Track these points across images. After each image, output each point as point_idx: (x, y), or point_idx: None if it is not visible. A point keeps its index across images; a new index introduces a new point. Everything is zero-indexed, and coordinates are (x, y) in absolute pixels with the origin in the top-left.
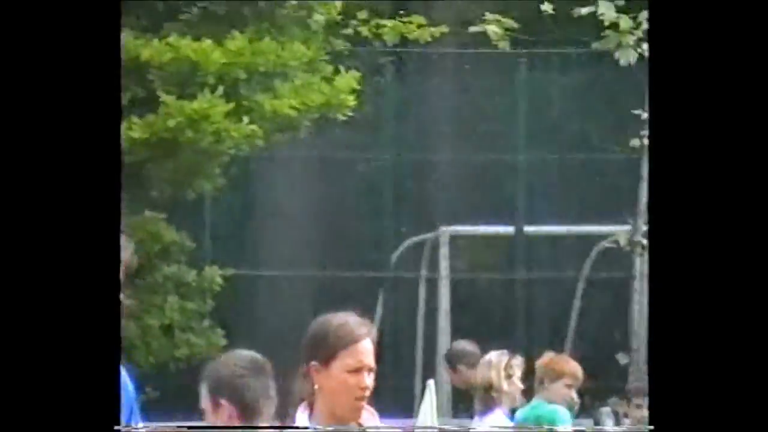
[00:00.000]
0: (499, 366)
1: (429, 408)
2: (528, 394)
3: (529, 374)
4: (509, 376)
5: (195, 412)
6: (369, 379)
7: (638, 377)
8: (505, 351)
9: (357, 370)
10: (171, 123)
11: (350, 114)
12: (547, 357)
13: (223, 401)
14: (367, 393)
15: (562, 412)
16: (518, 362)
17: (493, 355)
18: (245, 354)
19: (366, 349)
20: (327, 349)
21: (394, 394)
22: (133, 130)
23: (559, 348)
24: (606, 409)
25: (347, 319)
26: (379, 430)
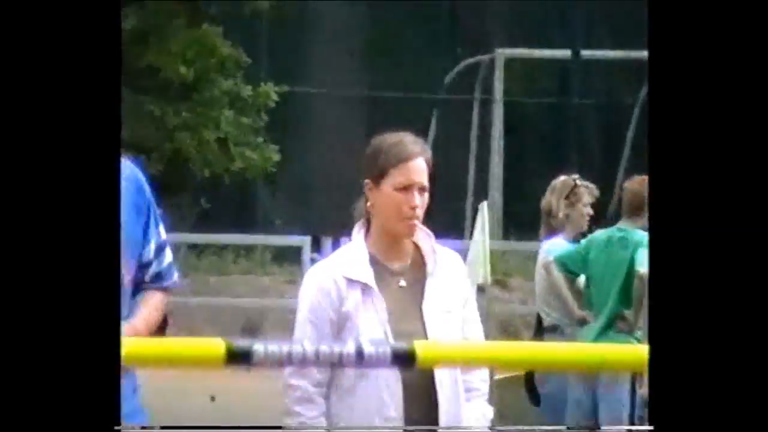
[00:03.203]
0: (561, 191)
1: (481, 230)
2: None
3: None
4: (572, 203)
5: (243, 223)
6: (420, 198)
7: None
8: (576, 177)
9: (406, 188)
10: None
11: None
12: (639, 180)
13: None
14: (418, 212)
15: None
16: (588, 189)
17: (558, 180)
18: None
19: (418, 168)
20: (379, 166)
21: (447, 216)
22: None
23: (612, 173)
24: None
25: (402, 138)
26: (388, 430)
